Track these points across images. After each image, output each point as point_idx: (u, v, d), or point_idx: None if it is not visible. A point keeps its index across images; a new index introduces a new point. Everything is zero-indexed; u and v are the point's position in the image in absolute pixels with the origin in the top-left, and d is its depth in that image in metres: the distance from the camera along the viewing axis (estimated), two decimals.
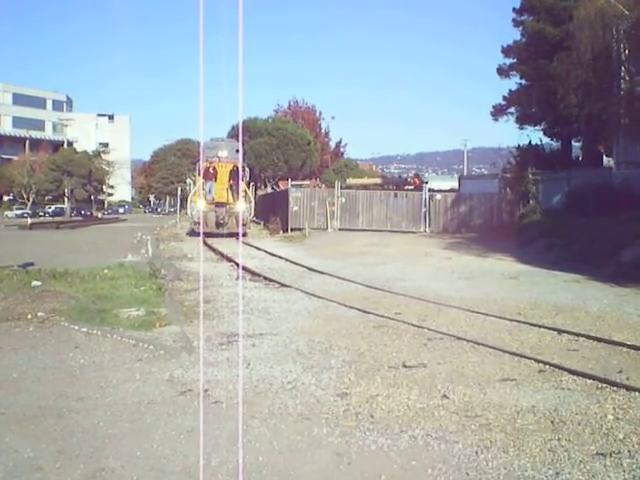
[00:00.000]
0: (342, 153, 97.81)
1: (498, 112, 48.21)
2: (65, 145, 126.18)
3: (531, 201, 37.68)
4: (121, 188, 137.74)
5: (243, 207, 38.58)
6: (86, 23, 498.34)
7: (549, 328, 12.49)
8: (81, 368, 9.40)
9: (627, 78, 30.94)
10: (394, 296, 16.52)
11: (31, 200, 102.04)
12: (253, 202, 43.93)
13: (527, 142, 46.19)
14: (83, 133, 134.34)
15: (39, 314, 12.34)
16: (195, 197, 40.26)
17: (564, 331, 12.19)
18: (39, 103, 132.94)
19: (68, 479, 5.88)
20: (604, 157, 44.88)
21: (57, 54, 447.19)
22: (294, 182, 51.33)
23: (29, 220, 63.43)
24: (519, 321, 13.18)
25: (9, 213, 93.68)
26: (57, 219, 77.72)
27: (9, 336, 11.12)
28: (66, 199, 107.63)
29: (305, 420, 7.36)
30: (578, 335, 11.87)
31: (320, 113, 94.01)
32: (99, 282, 16.95)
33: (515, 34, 46.66)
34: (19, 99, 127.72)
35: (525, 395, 8.31)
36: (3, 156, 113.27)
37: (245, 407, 7.68)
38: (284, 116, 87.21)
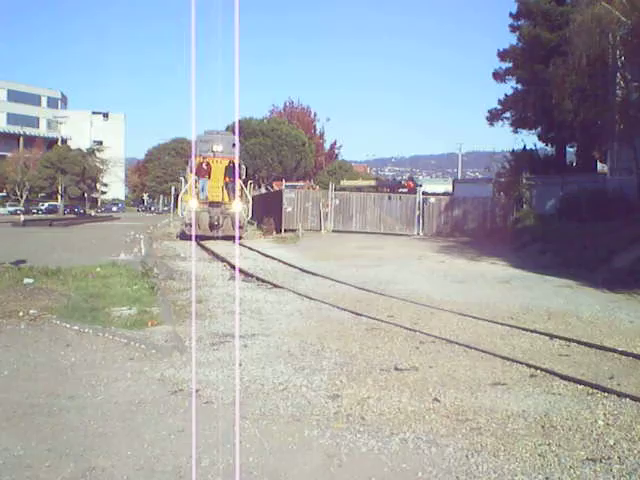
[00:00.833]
0: (337, 155, 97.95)
1: (493, 116, 48.21)
2: (59, 142, 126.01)
3: (525, 206, 37.78)
4: (115, 186, 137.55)
5: (240, 207, 35.32)
6: (81, 22, 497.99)
7: (541, 333, 12.52)
8: (72, 366, 9.38)
9: (623, 84, 30.98)
10: (387, 299, 16.51)
11: (24, 197, 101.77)
12: (251, 202, 39.49)
13: (522, 147, 46.34)
14: (77, 131, 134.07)
15: (31, 312, 12.29)
16: (186, 196, 36.50)
17: (556, 336, 12.21)
18: (34, 100, 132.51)
19: (58, 478, 5.87)
20: (598, 163, 44.94)
21: (52, 52, 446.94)
22: (288, 183, 51.36)
23: (22, 217, 63.26)
24: (511, 325, 13.20)
25: (2, 210, 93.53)
26: (50, 216, 77.57)
27: (0, 333, 11.08)
28: (59, 197, 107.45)
29: (296, 421, 7.36)
30: (570, 340, 11.89)
31: (315, 114, 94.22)
32: (91, 280, 16.89)
33: (511, 39, 46.73)
34: (13, 96, 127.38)
35: (516, 399, 8.33)
36: None
37: (236, 408, 7.67)
38: (279, 117, 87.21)
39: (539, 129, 45.35)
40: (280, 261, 24.90)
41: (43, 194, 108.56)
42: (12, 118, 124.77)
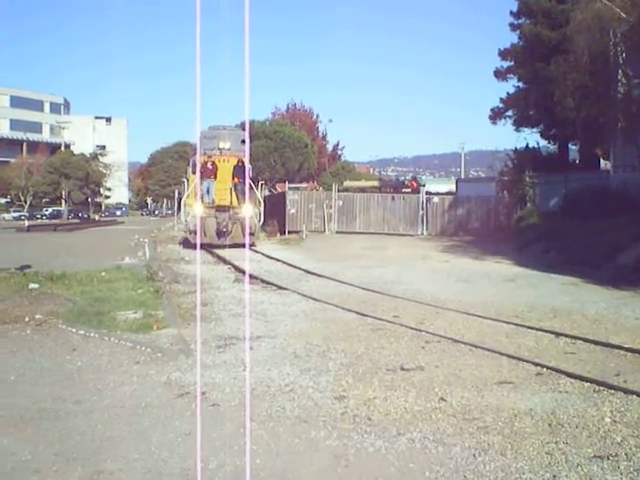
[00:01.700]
0: (339, 156, 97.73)
1: (496, 115, 48.21)
2: (62, 148, 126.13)
3: (528, 204, 37.74)
4: (118, 190, 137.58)
5: (251, 211, 30.55)
6: (83, 26, 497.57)
7: (546, 331, 12.51)
8: (79, 371, 9.39)
9: (624, 81, 30.94)
10: (392, 299, 16.51)
11: (28, 202, 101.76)
12: (262, 205, 35.61)
13: (524, 145, 46.35)
14: (80, 136, 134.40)
15: (36, 317, 12.33)
16: (190, 200, 33.17)
17: (561, 334, 12.20)
18: (36, 106, 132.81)
19: None
20: (601, 160, 44.92)
21: (55, 57, 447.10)
22: (291, 185, 51.30)
23: (26, 222, 63.39)
24: (516, 324, 13.19)
25: (6, 216, 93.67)
26: (54, 221, 77.70)
27: (6, 339, 11.10)
28: (63, 202, 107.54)
29: (303, 423, 7.36)
30: (575, 338, 11.88)
31: (318, 116, 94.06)
32: (96, 285, 16.91)
33: (512, 37, 46.69)
34: (17, 102, 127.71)
35: (523, 398, 8.32)
36: (0, 159, 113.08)
37: (242, 410, 7.68)
38: (281, 119, 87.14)
39: (541, 127, 45.36)
40: (284, 263, 24.92)
41: (47, 199, 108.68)
42: (15, 124, 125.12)
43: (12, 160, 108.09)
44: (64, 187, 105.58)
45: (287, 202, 43.34)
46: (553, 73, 33.32)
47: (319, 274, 21.24)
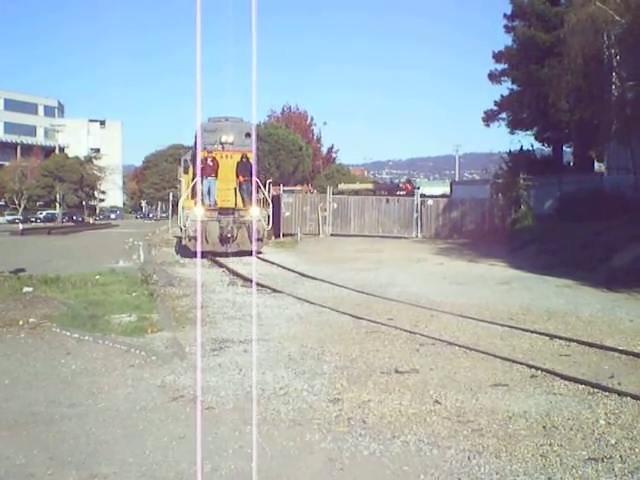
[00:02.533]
0: (334, 159, 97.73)
1: (490, 117, 48.29)
2: (57, 151, 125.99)
3: (522, 206, 37.78)
4: (113, 194, 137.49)
5: (258, 213, 28.62)
6: (78, 31, 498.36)
7: (541, 333, 12.53)
8: (73, 374, 9.37)
9: (618, 84, 31.05)
10: (386, 302, 16.52)
11: (22, 206, 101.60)
12: (271, 207, 32.52)
13: (518, 147, 46.43)
14: (75, 139, 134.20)
15: (30, 320, 12.28)
16: (188, 202, 30.03)
17: (556, 336, 12.22)
18: (31, 109, 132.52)
19: None
20: (595, 162, 45.03)
21: (49, 61, 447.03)
22: (286, 188, 51.20)
23: (21, 226, 63.29)
24: (511, 326, 13.20)
25: (0, 219, 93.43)
26: (49, 225, 77.55)
27: (0, 342, 11.06)
28: (58, 205, 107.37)
29: (297, 426, 7.36)
30: (570, 340, 11.89)
31: (312, 119, 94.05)
32: (91, 288, 16.91)
33: (506, 40, 46.78)
34: (10, 105, 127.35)
35: (517, 400, 8.33)
36: None
37: (237, 413, 7.70)
38: (276, 122, 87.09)
39: (535, 129, 45.41)
40: (279, 266, 24.92)
41: (41, 202, 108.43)
42: (9, 127, 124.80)
43: (6, 163, 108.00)
44: (58, 190, 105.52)
45: (282, 205, 43.32)
46: (547, 75, 33.42)
47: (314, 277, 21.25)
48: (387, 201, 44.82)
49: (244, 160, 29.53)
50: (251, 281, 20.03)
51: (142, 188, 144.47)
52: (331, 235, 42.62)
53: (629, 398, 8.32)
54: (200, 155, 29.30)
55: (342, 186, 59.39)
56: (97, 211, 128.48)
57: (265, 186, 31.57)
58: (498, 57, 46.42)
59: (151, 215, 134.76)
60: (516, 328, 13.04)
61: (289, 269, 23.75)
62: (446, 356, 10.75)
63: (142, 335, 11.83)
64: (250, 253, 27.61)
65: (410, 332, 12.53)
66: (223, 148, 30.24)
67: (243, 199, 29.89)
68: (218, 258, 26.97)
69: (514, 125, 46.38)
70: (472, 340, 11.92)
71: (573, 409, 7.98)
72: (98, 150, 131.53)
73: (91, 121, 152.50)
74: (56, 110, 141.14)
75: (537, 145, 47.55)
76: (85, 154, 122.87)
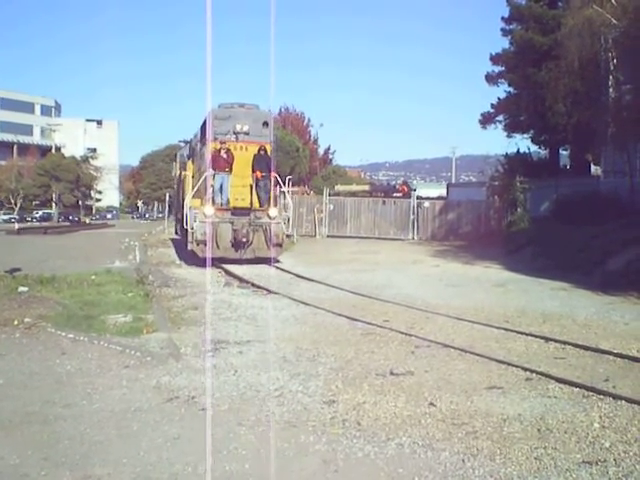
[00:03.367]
0: (331, 160, 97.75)
1: (486, 120, 48.41)
2: (53, 150, 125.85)
3: (519, 209, 37.82)
4: (109, 193, 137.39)
5: (275, 213, 25.92)
6: (75, 30, 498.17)
7: (536, 336, 12.53)
8: (68, 374, 9.36)
9: (615, 87, 31.11)
10: (382, 303, 16.52)
11: (19, 205, 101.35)
12: (292, 207, 29.58)
13: (515, 150, 46.48)
14: (71, 138, 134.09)
15: (26, 320, 12.27)
16: (195, 200, 26.26)
17: (551, 339, 12.23)
18: (27, 108, 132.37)
19: None
20: (592, 166, 45.13)
21: (46, 60, 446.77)
22: (282, 189, 51.06)
23: (17, 225, 63.16)
24: (506, 329, 13.21)
25: None
26: (45, 224, 77.57)
27: None
28: (54, 204, 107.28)
29: (292, 427, 7.36)
30: (565, 343, 11.90)
31: (309, 120, 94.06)
32: (86, 288, 16.87)
33: (504, 42, 46.91)
34: (7, 104, 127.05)
35: (512, 403, 8.33)
36: None
37: (232, 414, 7.69)
38: (273, 123, 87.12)
39: (532, 132, 45.56)
40: (275, 267, 24.87)
41: (37, 202, 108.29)
42: (6, 126, 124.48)
43: (2, 162, 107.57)
44: (55, 190, 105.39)
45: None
46: (544, 78, 33.48)
47: (310, 278, 21.23)
48: (383, 203, 44.90)
49: (262, 153, 26.21)
50: (247, 282, 20.04)
51: (139, 188, 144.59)
52: (327, 236, 42.67)
53: (623, 401, 8.32)
54: (211, 146, 25.86)
55: (339, 187, 59.34)
56: (93, 211, 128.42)
57: (285, 183, 28.58)
58: (495, 59, 46.59)
59: (147, 215, 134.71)
60: (511, 331, 13.05)
61: (285, 270, 23.72)
62: (441, 358, 10.75)
63: (137, 336, 11.82)
64: (266, 260, 24.88)
65: (406, 334, 12.54)
66: (237, 138, 26.52)
67: (260, 198, 26.36)
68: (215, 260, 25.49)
69: (511, 128, 46.50)
70: (467, 342, 11.92)
71: (568, 412, 7.98)
72: (95, 150, 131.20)
73: (88, 121, 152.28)
74: (53, 109, 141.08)
75: (534, 148, 47.78)
76: (82, 154, 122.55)
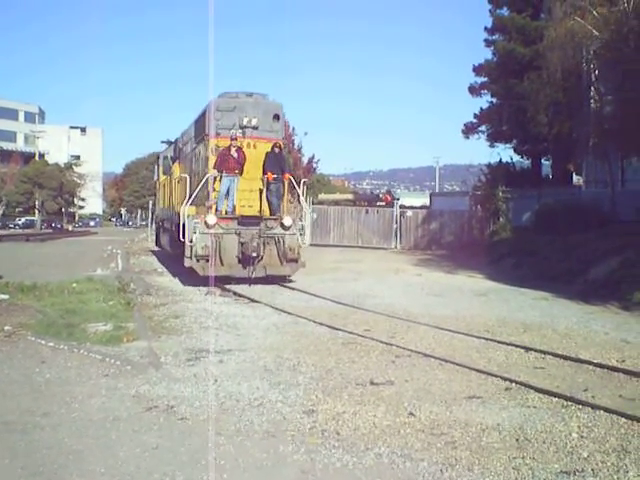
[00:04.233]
0: (315, 169, 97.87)
1: (469, 130, 48.63)
2: (36, 157, 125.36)
3: (501, 219, 38.01)
4: (92, 201, 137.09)
5: (291, 223, 22.17)
6: (60, 39, 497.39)
7: (516, 346, 12.55)
8: (47, 383, 9.32)
9: (596, 98, 31.33)
10: (364, 313, 16.53)
11: (1, 212, 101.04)
12: (309, 215, 26.00)
13: (498, 160, 46.65)
14: (55, 145, 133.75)
15: (6, 328, 12.22)
16: (191, 208, 22.16)
17: (531, 349, 12.26)
18: (11, 114, 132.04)
19: None
20: (574, 175, 45.35)
21: (31, 69, 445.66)
22: None
23: None
24: (487, 338, 13.24)
25: None
26: (27, 231, 77.19)
27: None
28: (37, 211, 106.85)
29: (271, 437, 7.34)
30: (545, 353, 11.94)
31: (293, 129, 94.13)
32: (67, 296, 16.82)
33: (487, 53, 47.20)
34: None
35: (491, 413, 8.35)
36: None
37: (211, 424, 7.66)
38: None
39: (515, 142, 45.77)
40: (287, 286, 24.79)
41: (20, 209, 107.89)
42: None
43: None
44: (37, 197, 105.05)
45: None
46: (526, 89, 33.66)
47: (292, 287, 21.23)
48: (367, 212, 44.98)
49: (275, 151, 22.42)
50: (229, 291, 19.98)
51: (122, 196, 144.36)
52: (310, 245, 42.50)
53: (602, 411, 8.35)
54: (212, 143, 22.26)
55: (322, 196, 59.36)
56: (76, 218, 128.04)
57: (300, 186, 24.76)
58: (478, 70, 46.84)
59: (131, 223, 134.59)
60: (492, 340, 13.08)
61: None
62: (422, 368, 10.76)
63: (117, 344, 11.78)
64: (280, 279, 22.23)
65: (387, 343, 12.54)
66: (244, 134, 22.39)
67: (271, 204, 22.55)
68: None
69: (494, 138, 46.74)
70: (448, 352, 11.94)
71: (546, 422, 8.01)
72: (78, 157, 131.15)
73: (72, 128, 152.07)
74: (37, 116, 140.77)
75: (516, 158, 47.95)
76: (65, 161, 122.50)
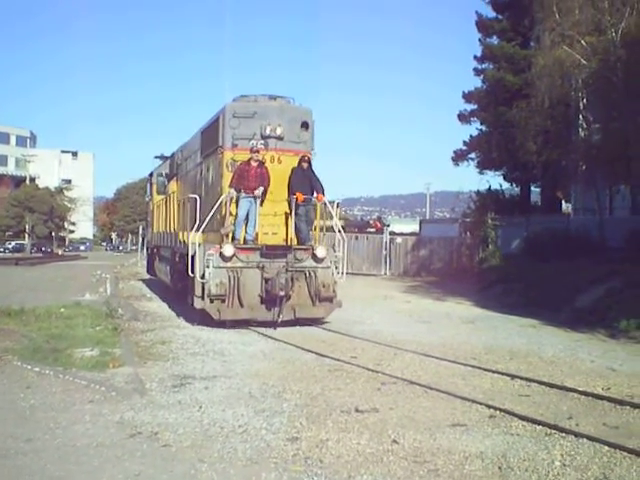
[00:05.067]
0: None
1: (459, 157, 48.87)
2: (27, 181, 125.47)
3: (490, 246, 38.02)
4: (83, 225, 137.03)
5: (325, 254, 18.60)
6: (51, 63, 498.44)
7: (502, 373, 12.59)
8: (31, 409, 9.30)
9: (584, 126, 31.64)
10: (351, 339, 16.54)
11: None
12: (345, 243, 19.65)
13: (487, 187, 46.86)
14: (46, 169, 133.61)
15: None
16: (196, 235, 18.20)
17: (517, 376, 12.29)
18: (2, 138, 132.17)
19: None
20: (562, 203, 45.61)
21: (23, 93, 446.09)
22: None
23: None
24: (473, 366, 13.27)
25: None
26: (17, 255, 76.97)
27: None
28: (27, 235, 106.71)
29: (254, 464, 7.34)
30: (530, 380, 11.97)
31: None
32: (54, 321, 16.76)
33: (476, 81, 47.52)
34: None
35: (474, 440, 8.36)
36: None
37: (194, 451, 7.67)
38: None
39: (504, 170, 45.97)
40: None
41: (10, 233, 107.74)
42: None
43: None
44: (28, 221, 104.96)
45: None
46: (515, 117, 33.86)
47: None
48: (356, 238, 44.89)
49: (303, 166, 18.63)
50: None
51: (113, 220, 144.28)
52: None
53: (585, 439, 8.37)
54: (228, 157, 18.48)
55: None
56: (67, 242, 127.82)
57: (334, 208, 20.00)
58: (468, 97, 47.14)
59: (121, 247, 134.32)
60: (478, 368, 13.11)
61: None
62: (407, 395, 10.77)
63: (103, 370, 11.75)
64: (313, 321, 18.85)
65: (372, 371, 12.55)
66: (267, 145, 18.58)
67: (300, 231, 18.81)
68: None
69: (483, 165, 46.97)
70: (433, 379, 11.95)
71: (529, 450, 8.02)
72: (69, 181, 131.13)
73: (63, 152, 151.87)
74: (28, 140, 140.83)
75: (505, 185, 48.16)
76: (56, 185, 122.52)
